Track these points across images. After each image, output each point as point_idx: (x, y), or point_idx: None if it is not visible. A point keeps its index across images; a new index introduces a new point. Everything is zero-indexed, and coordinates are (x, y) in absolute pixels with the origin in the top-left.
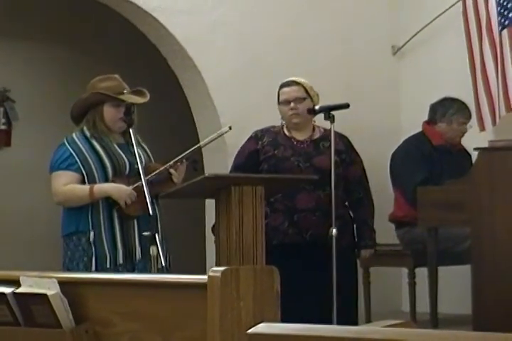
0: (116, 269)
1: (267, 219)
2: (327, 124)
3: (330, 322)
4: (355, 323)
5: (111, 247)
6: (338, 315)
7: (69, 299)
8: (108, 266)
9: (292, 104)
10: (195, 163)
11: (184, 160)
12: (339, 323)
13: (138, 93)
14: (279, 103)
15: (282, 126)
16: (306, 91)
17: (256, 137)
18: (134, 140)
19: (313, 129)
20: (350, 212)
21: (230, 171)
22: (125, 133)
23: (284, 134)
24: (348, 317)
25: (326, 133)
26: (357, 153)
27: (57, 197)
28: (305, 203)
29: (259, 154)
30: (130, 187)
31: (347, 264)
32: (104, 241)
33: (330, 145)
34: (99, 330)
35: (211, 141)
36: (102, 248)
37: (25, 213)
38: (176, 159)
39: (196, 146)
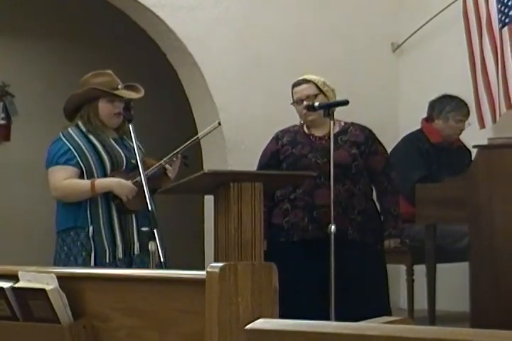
0: (114, 264)
1: (288, 216)
2: (345, 118)
3: (354, 318)
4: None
5: (110, 242)
6: (368, 311)
7: (67, 294)
8: (107, 260)
9: (305, 102)
10: (186, 158)
11: (179, 155)
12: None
13: (132, 88)
14: (293, 103)
15: (302, 125)
16: (318, 87)
17: (277, 137)
18: (133, 135)
19: (333, 123)
20: (377, 206)
21: None
22: (118, 129)
23: (304, 132)
24: (381, 313)
25: (346, 126)
26: (380, 143)
27: (56, 191)
28: (324, 199)
29: (280, 154)
30: (130, 182)
31: (372, 260)
32: (104, 236)
33: (348, 139)
34: (96, 325)
35: (203, 136)
36: (101, 243)
37: (23, 208)
38: (172, 154)
39: (189, 142)
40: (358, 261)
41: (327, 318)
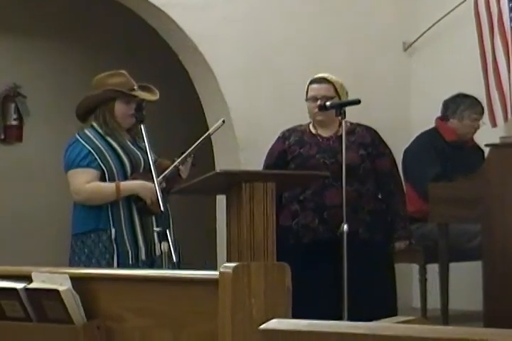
0: (137, 265)
1: (297, 218)
2: (353, 118)
3: (362, 318)
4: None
5: (132, 244)
6: (375, 310)
7: (80, 295)
8: (130, 262)
9: (319, 102)
10: (194, 158)
11: (192, 155)
12: (379, 318)
13: (146, 89)
14: (306, 99)
15: (309, 124)
16: (336, 89)
17: (283, 137)
18: (145, 136)
19: (340, 124)
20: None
21: None
22: (130, 130)
23: (310, 132)
24: (388, 313)
25: (352, 127)
26: (385, 144)
27: (79, 195)
28: (333, 199)
29: (287, 154)
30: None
31: (381, 259)
32: (126, 238)
33: (355, 140)
34: (110, 326)
35: (210, 135)
36: (123, 245)
37: (36, 208)
38: (185, 154)
39: (198, 142)
40: (369, 261)
41: (340, 319)
